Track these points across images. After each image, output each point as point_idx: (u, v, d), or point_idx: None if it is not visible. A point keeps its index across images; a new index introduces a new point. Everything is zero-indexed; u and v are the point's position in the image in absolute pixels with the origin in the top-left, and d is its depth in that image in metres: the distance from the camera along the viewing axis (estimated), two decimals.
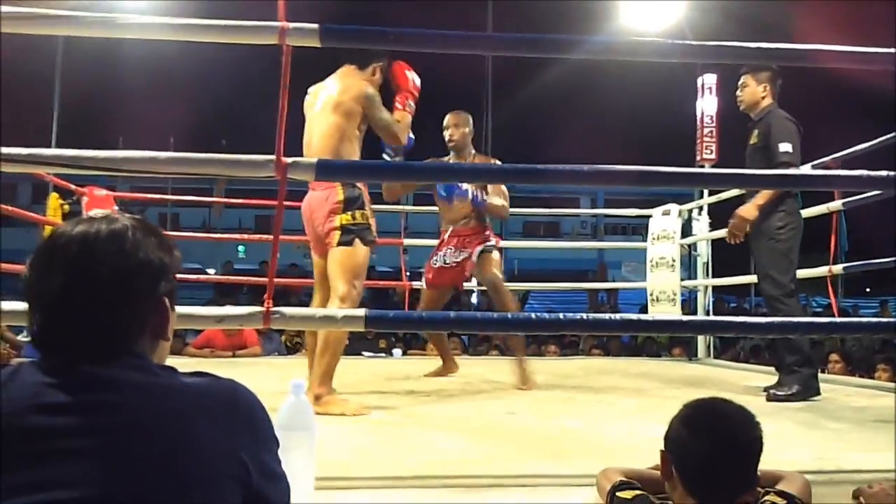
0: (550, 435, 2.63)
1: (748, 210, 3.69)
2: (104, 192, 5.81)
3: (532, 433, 2.66)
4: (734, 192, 5.28)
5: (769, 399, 3.47)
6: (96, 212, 4.20)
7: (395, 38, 2.01)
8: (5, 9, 1.93)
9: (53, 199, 5.47)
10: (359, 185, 3.03)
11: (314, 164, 1.91)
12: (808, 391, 3.51)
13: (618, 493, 1.57)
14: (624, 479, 1.63)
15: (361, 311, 1.95)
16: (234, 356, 5.90)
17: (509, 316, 1.92)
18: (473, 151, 4.24)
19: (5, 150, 1.80)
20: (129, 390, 1.01)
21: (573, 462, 2.14)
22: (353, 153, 2.99)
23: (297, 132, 2.98)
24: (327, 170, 1.96)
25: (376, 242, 3.11)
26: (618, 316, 2.12)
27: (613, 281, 15.62)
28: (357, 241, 3.01)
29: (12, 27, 1.92)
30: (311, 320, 1.92)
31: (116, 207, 5.63)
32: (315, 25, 1.95)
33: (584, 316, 1.99)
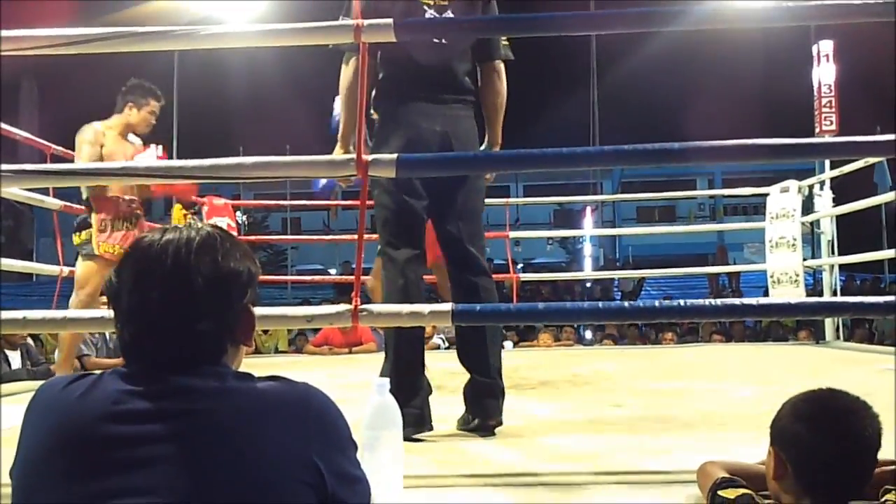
0: (658, 428, 2.52)
1: None
2: (223, 200, 6.06)
3: (638, 427, 2.56)
4: (858, 164, 4.95)
5: None
6: (215, 220, 4.35)
7: (471, 26, 1.97)
8: (101, 30, 2.01)
9: (177, 210, 5.72)
10: (95, 208, 3.90)
11: (394, 161, 1.90)
12: None
13: (719, 492, 1.46)
14: (726, 475, 1.52)
15: (449, 306, 1.92)
16: (350, 352, 6.05)
17: (600, 305, 1.84)
18: None
19: (5, 167, 1.88)
20: (206, 397, 1.01)
21: (680, 457, 2.04)
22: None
23: None
24: (408, 165, 1.94)
25: (100, 256, 3.88)
26: (718, 302, 2.00)
27: (735, 264, 14.99)
28: (79, 256, 3.98)
29: (108, 47, 2.01)
30: (397, 317, 1.91)
31: (238, 214, 5.87)
32: (389, 21, 1.94)
33: (682, 302, 1.89)
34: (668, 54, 17.45)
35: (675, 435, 2.39)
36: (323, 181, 3.75)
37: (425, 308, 1.88)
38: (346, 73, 2.40)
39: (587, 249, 20.87)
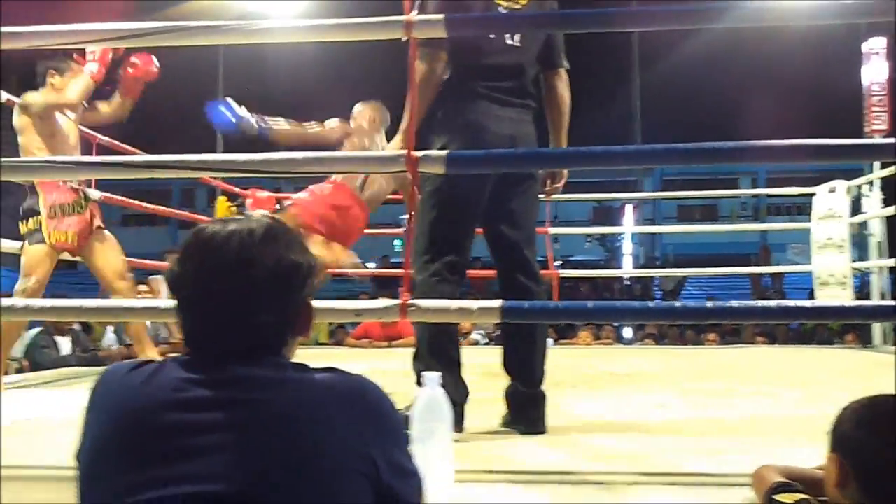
0: (704, 430, 2.49)
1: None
2: (266, 193, 6.12)
3: (683, 428, 2.54)
4: None
5: None
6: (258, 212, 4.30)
7: (518, 22, 1.96)
8: (152, 25, 2.05)
9: (222, 203, 5.79)
10: (42, 194, 3.59)
11: (444, 157, 1.90)
12: None
13: (775, 497, 1.43)
14: (783, 479, 1.50)
15: (497, 303, 1.92)
16: (389, 346, 6.07)
17: (651, 305, 1.83)
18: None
19: (5, 159, 1.92)
20: (266, 387, 1.02)
21: (728, 459, 2.02)
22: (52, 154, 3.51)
23: None
24: (457, 163, 1.94)
25: (47, 242, 3.60)
26: (770, 303, 1.97)
27: (778, 265, 14.72)
28: (25, 243, 3.65)
29: (159, 41, 2.05)
30: (446, 312, 1.91)
31: (278, 207, 5.90)
32: (440, 16, 1.94)
33: (733, 303, 1.86)
34: (714, 50, 17.13)
35: (720, 436, 2.36)
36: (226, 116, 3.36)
37: (474, 304, 1.88)
38: (421, 69, 2.30)
39: (627, 247, 20.69)
